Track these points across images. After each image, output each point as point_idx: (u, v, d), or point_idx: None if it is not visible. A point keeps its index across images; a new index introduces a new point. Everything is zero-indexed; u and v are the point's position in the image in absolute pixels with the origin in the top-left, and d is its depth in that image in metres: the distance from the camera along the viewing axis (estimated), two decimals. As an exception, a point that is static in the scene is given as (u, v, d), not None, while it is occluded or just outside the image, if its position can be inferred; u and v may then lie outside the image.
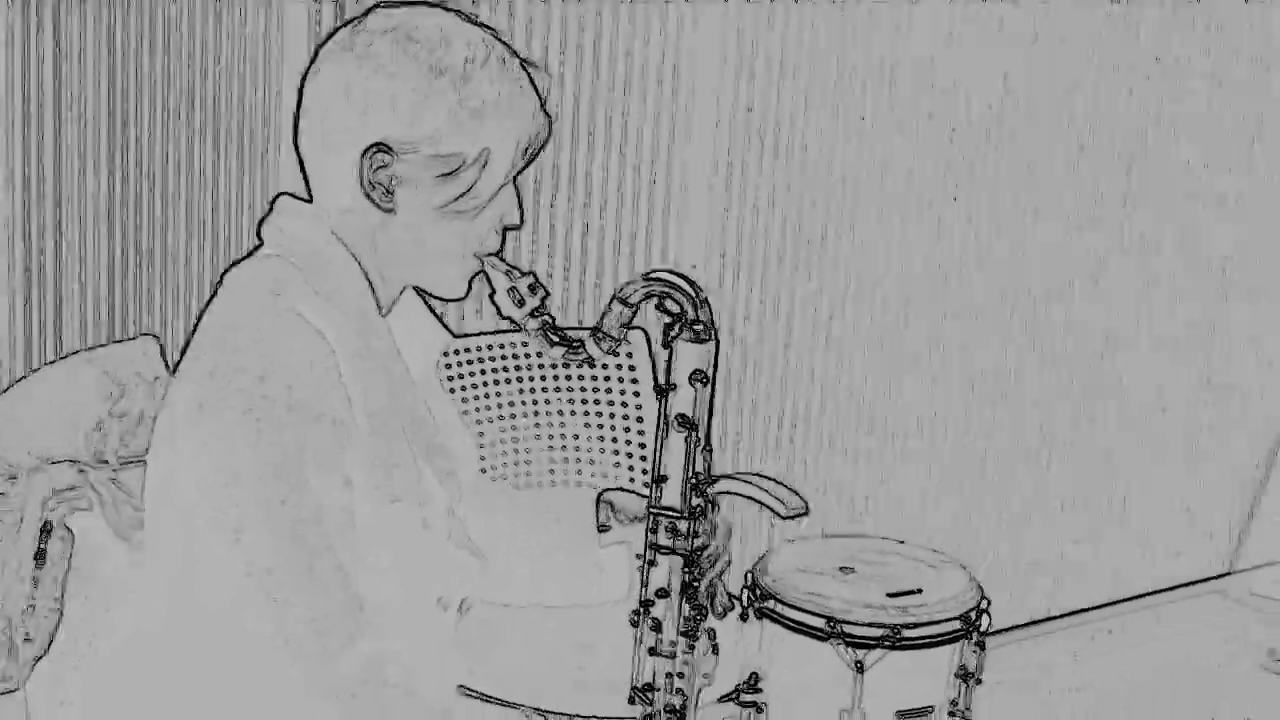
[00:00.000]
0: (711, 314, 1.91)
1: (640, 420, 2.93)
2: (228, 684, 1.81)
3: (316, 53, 1.88)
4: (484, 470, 2.81)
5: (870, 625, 2.34)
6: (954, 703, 2.39)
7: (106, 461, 2.07)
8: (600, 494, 2.03)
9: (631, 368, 2.92)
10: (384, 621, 1.83)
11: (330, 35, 1.88)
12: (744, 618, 2.42)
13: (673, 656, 1.96)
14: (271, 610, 1.77)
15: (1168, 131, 3.69)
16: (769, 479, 3.23)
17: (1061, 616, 3.90)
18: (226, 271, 1.87)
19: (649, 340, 2.92)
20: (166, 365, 2.25)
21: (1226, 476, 4.07)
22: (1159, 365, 3.90)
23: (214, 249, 2.90)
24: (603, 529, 2.02)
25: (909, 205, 3.46)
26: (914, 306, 3.54)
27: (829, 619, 2.33)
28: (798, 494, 2.81)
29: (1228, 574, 4.11)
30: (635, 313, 1.90)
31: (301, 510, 1.76)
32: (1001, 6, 3.43)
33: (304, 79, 1.87)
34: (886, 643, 2.33)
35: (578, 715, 2.62)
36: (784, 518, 2.78)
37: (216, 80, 2.84)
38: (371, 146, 1.83)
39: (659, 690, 1.96)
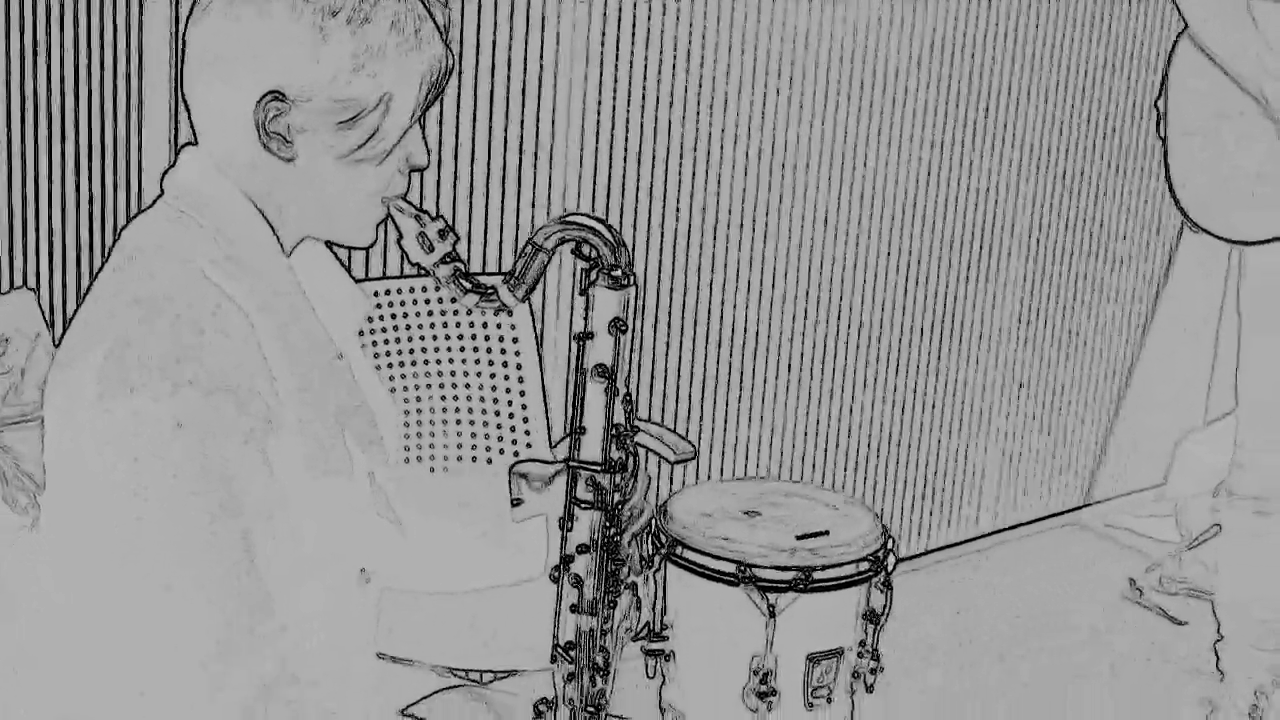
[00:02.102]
0: (630, 259, 1.83)
1: (522, 380, 2.85)
2: (120, 683, 1.69)
3: None
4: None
5: (780, 569, 2.30)
6: (862, 643, 2.37)
7: (-15, 424, 1.96)
8: (512, 468, 1.93)
9: (513, 326, 2.84)
10: (306, 609, 1.73)
11: None
12: (649, 564, 2.36)
13: (595, 614, 1.89)
14: (174, 610, 1.65)
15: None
16: (656, 424, 3.19)
17: (936, 551, 3.94)
18: (125, 227, 1.74)
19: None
20: (44, 319, 2.13)
21: (1085, 413, 4.14)
22: (1023, 308, 3.94)
23: (84, 195, 2.76)
24: (516, 502, 1.92)
25: (799, 159, 3.43)
26: (804, 255, 3.52)
27: (740, 564, 2.29)
28: (685, 439, 2.77)
29: (1083, 506, 4.19)
30: (550, 258, 1.82)
31: (217, 500, 1.64)
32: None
33: (188, 23, 1.74)
34: (799, 586, 2.29)
35: (489, 671, 2.56)
36: (673, 463, 2.74)
37: (76, 27, 2.70)
38: (266, 95, 1.71)
39: (581, 648, 1.90)
